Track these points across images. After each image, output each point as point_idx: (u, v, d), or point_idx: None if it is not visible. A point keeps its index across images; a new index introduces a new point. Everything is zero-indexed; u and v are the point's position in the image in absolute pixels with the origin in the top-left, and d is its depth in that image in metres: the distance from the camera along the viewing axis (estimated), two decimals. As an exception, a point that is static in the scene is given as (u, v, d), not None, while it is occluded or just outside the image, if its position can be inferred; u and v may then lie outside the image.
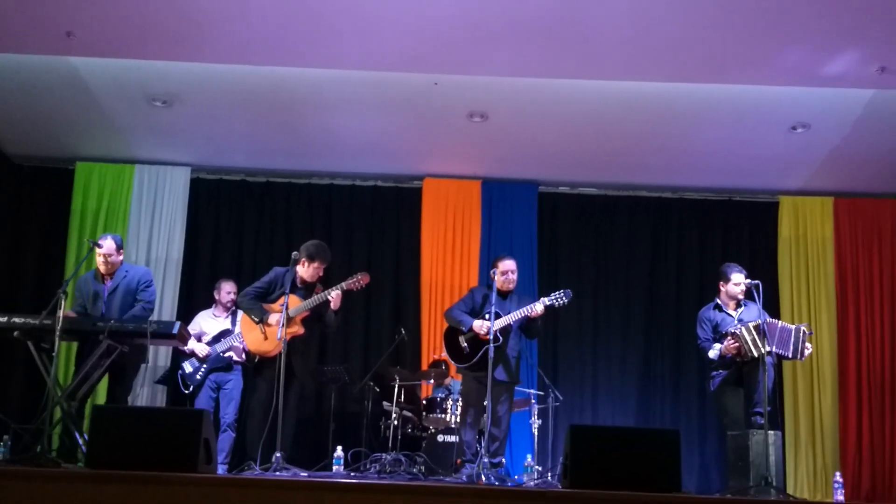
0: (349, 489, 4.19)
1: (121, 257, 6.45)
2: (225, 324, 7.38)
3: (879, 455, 8.24)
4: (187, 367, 7.24)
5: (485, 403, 6.20)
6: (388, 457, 6.44)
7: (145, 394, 8.10)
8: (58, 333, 5.45)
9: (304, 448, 7.50)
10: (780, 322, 6.29)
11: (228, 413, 7.12)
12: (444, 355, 6.85)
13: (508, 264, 6.54)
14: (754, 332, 6.09)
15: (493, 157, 8.49)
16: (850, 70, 6.49)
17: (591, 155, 8.31)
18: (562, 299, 6.30)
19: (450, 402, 7.30)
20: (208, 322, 7.44)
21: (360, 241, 8.92)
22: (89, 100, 7.48)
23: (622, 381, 8.64)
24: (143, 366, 6.51)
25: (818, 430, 8.31)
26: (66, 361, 7.61)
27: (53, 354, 5.49)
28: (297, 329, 6.19)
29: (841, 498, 6.30)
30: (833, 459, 8.22)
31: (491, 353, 5.98)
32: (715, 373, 6.48)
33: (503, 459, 6.47)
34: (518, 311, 6.31)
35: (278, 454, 5.58)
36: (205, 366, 7.20)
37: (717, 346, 6.39)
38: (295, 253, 6.27)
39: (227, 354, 7.21)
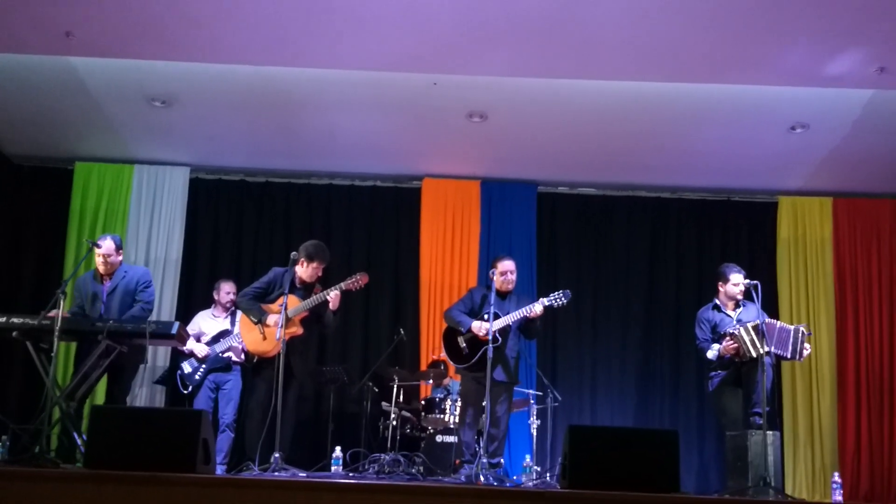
0: (348, 489, 4.19)
1: (120, 258, 6.45)
2: (224, 324, 7.38)
3: (878, 455, 8.24)
4: (186, 367, 7.24)
5: (483, 404, 6.19)
6: (387, 457, 6.44)
7: (144, 394, 8.09)
8: (56, 334, 5.44)
9: (303, 448, 7.50)
10: (778, 322, 6.29)
11: (227, 413, 7.12)
12: (443, 356, 6.85)
13: (507, 265, 6.54)
14: (753, 333, 6.09)
15: (492, 158, 8.49)
16: (850, 70, 6.49)
17: (590, 155, 8.31)
18: (561, 300, 6.30)
19: (448, 403, 7.31)
20: (207, 322, 7.44)
21: (359, 242, 8.92)
22: (88, 100, 7.48)
23: (621, 381, 8.64)
24: (141, 366, 6.51)
25: (817, 430, 8.31)
26: (64, 362, 7.61)
27: (52, 355, 5.48)
28: (296, 329, 6.19)
29: (839, 498, 6.31)
30: (831, 460, 8.22)
31: (490, 354, 5.98)
32: (713, 373, 6.48)
33: (502, 460, 6.47)
34: (517, 312, 6.31)
35: (277, 454, 5.58)
36: (204, 366, 7.20)
37: (716, 346, 6.39)
38: (294, 253, 6.27)
39: (226, 355, 7.21)
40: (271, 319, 6.18)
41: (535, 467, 7.23)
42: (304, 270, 6.34)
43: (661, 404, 8.60)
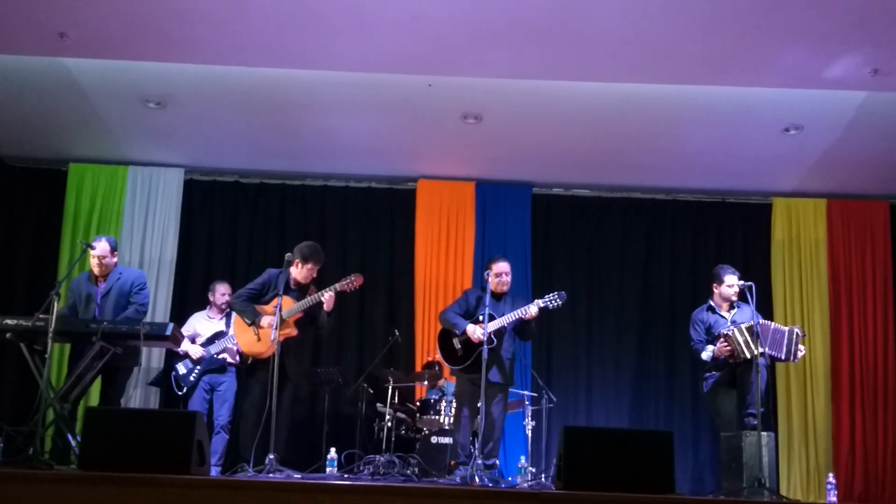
0: (343, 491, 4.19)
1: (115, 259, 6.44)
2: (219, 325, 7.37)
3: (872, 456, 8.26)
4: (181, 368, 7.22)
5: (479, 405, 6.19)
6: (382, 458, 6.44)
7: (138, 395, 8.07)
8: (50, 335, 5.43)
9: (298, 450, 7.48)
10: (772, 323, 6.30)
11: (222, 415, 7.11)
12: (438, 357, 6.85)
13: (502, 266, 6.54)
14: (747, 334, 6.11)
15: (486, 159, 8.49)
16: (844, 72, 6.50)
17: (585, 156, 8.32)
18: (556, 301, 6.30)
19: (443, 404, 7.31)
20: (202, 324, 7.43)
21: (353, 243, 8.91)
22: (82, 101, 7.47)
23: (616, 382, 8.65)
24: (135, 368, 6.51)
25: (811, 431, 8.33)
26: (58, 363, 7.59)
27: (46, 356, 5.47)
28: (291, 331, 6.19)
29: (834, 499, 6.31)
30: (826, 460, 8.24)
31: (485, 355, 5.98)
32: (708, 374, 6.49)
33: (497, 461, 6.47)
34: (512, 313, 6.31)
35: (272, 456, 5.57)
36: (198, 367, 7.19)
37: (710, 347, 6.40)
38: (288, 254, 6.27)
39: (221, 356, 7.20)
40: (265, 321, 6.17)
41: (530, 468, 7.22)
42: (298, 272, 6.34)
43: (655, 405, 8.61)
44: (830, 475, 6.55)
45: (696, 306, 6.87)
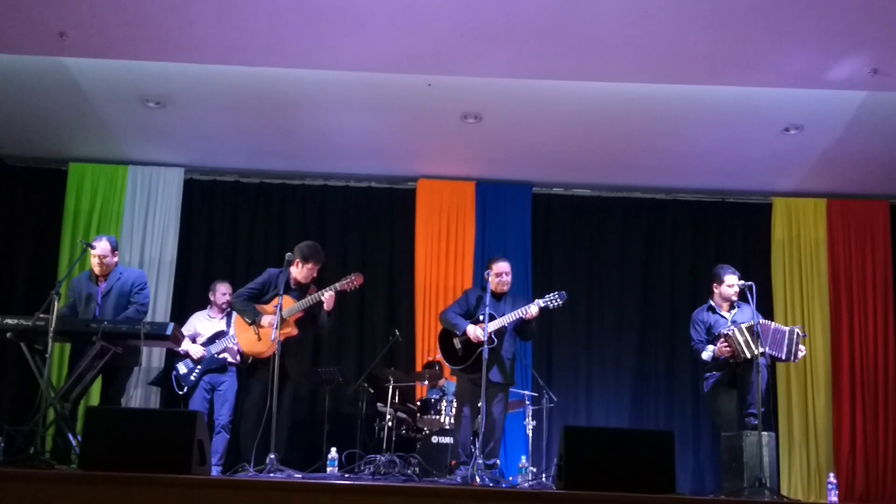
0: (343, 491, 4.19)
1: (115, 259, 6.44)
2: (220, 325, 7.37)
3: (873, 456, 8.26)
4: (182, 368, 7.22)
5: (479, 405, 6.19)
6: (383, 458, 6.43)
7: (139, 395, 8.07)
8: (51, 335, 5.43)
9: (299, 449, 7.48)
10: (773, 323, 6.30)
11: (223, 414, 7.11)
12: (439, 357, 6.85)
13: (502, 266, 6.54)
14: (747, 334, 6.10)
15: (486, 158, 8.49)
16: (843, 72, 6.50)
17: (585, 156, 8.32)
18: (556, 301, 6.30)
19: (444, 404, 7.31)
20: (203, 323, 7.43)
21: (353, 243, 8.91)
22: (82, 100, 7.46)
23: (616, 382, 8.65)
24: (136, 368, 6.51)
25: (812, 430, 8.33)
26: (59, 363, 7.59)
27: (46, 356, 5.47)
28: (291, 330, 6.19)
29: (835, 499, 6.31)
30: (827, 460, 8.24)
31: (485, 355, 5.97)
32: (708, 374, 6.49)
33: (497, 461, 6.47)
34: (513, 313, 6.31)
35: (272, 456, 5.57)
36: (199, 367, 7.19)
37: (710, 347, 6.40)
38: (289, 254, 6.27)
39: (221, 356, 7.20)
40: (265, 320, 6.17)
41: (531, 468, 7.22)
42: (298, 271, 6.34)
43: (656, 405, 8.61)
44: (831, 475, 6.55)
45: (696, 306, 6.87)
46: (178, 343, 6.45)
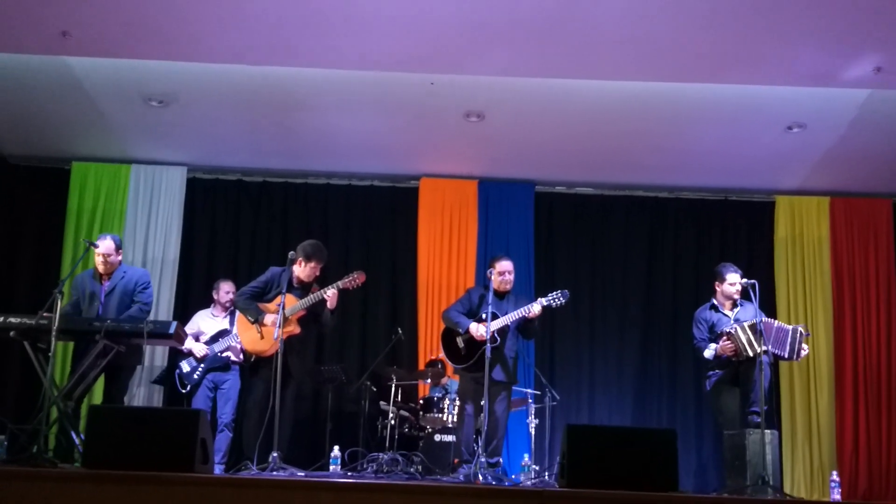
0: (346, 489, 4.19)
1: (119, 257, 6.45)
2: (223, 323, 7.38)
3: (876, 454, 8.26)
4: (185, 366, 7.23)
5: (482, 403, 6.19)
6: (385, 456, 6.43)
7: (142, 393, 8.09)
8: (54, 333, 5.43)
9: (301, 448, 7.50)
10: (776, 322, 6.30)
11: (226, 413, 7.12)
12: (442, 355, 6.85)
13: (505, 265, 6.54)
14: (749, 332, 6.10)
15: (489, 157, 8.49)
16: (846, 70, 6.49)
17: (588, 154, 8.32)
18: (559, 299, 6.30)
19: (447, 402, 7.31)
20: (206, 322, 7.44)
21: (356, 241, 8.92)
22: (85, 99, 7.47)
23: (619, 380, 8.65)
24: (139, 366, 6.51)
25: (815, 429, 8.32)
26: (62, 361, 7.60)
27: (50, 354, 5.47)
28: (294, 329, 6.19)
29: (838, 497, 6.32)
30: (830, 458, 8.23)
31: (488, 354, 5.97)
32: (711, 372, 6.49)
33: (500, 459, 6.47)
34: (515, 312, 6.31)
35: (275, 454, 5.57)
36: (202, 365, 7.20)
37: (713, 345, 6.40)
38: (291, 252, 6.27)
39: (224, 354, 7.21)
40: (268, 319, 6.17)
41: (534, 466, 7.24)
42: (301, 270, 6.34)
43: (658, 403, 8.60)
44: (834, 473, 6.56)
45: (698, 304, 6.86)
46: (181, 342, 6.45)
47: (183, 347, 7.04)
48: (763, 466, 5.55)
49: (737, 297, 6.53)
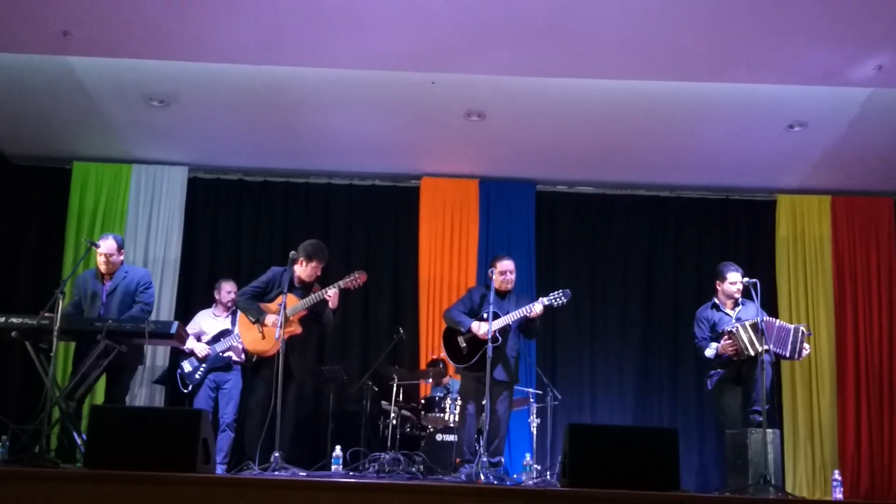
0: (348, 489, 4.18)
1: (121, 257, 6.45)
2: (225, 323, 7.38)
3: (878, 453, 8.25)
4: (186, 366, 7.23)
5: (484, 403, 6.19)
6: (387, 456, 6.43)
7: (143, 394, 8.09)
8: (56, 333, 5.43)
9: (303, 448, 7.51)
10: (777, 321, 6.29)
11: (227, 413, 7.11)
12: (443, 355, 6.84)
13: (506, 264, 6.54)
14: (751, 331, 6.09)
15: (490, 156, 8.49)
16: (848, 69, 6.49)
17: (589, 154, 8.31)
18: (560, 299, 6.29)
19: (448, 402, 7.31)
20: (208, 322, 7.44)
21: (357, 241, 8.92)
22: (86, 99, 7.47)
23: (620, 379, 8.65)
24: (140, 366, 6.51)
25: (817, 428, 8.32)
26: (64, 361, 7.60)
27: (51, 354, 5.47)
28: (295, 328, 6.19)
29: (840, 496, 6.31)
30: (832, 457, 8.23)
31: (489, 353, 5.97)
32: (713, 371, 6.48)
33: (502, 458, 6.47)
34: (517, 312, 6.31)
35: (277, 454, 5.57)
36: (204, 365, 7.20)
37: (714, 345, 6.39)
38: (293, 252, 6.26)
39: (226, 354, 7.21)
40: (269, 319, 6.17)
41: (536, 466, 7.23)
42: (302, 270, 6.33)
43: (660, 403, 8.61)
44: (836, 472, 6.55)
45: (700, 304, 6.86)
46: (183, 341, 6.45)
47: (184, 347, 7.04)
48: (765, 466, 5.54)
49: (738, 296, 6.52)
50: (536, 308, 6.26)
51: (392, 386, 7.53)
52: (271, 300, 6.33)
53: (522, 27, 6.12)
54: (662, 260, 8.95)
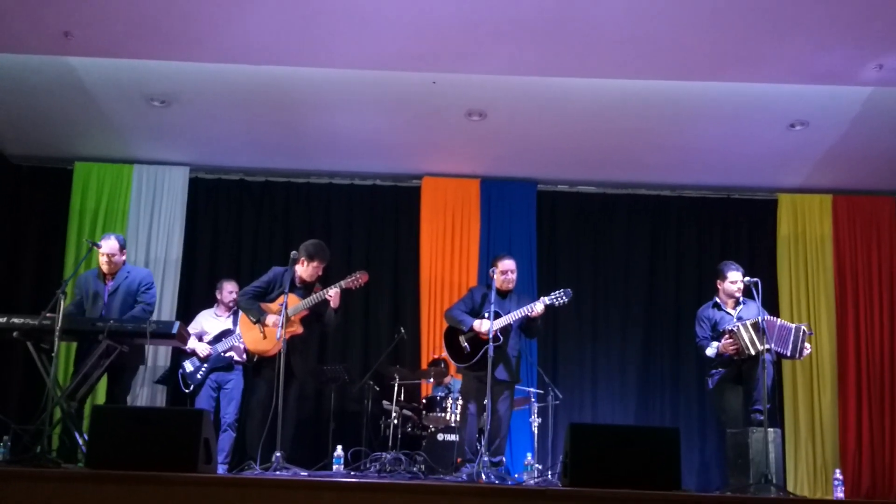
0: (349, 488, 4.19)
1: (123, 257, 6.46)
2: (226, 323, 7.38)
3: (879, 452, 8.25)
4: (188, 366, 7.24)
5: (485, 402, 6.19)
6: (388, 456, 6.43)
7: (145, 394, 8.10)
8: (57, 334, 5.44)
9: (304, 447, 7.51)
10: (779, 320, 6.28)
11: (229, 413, 7.12)
12: (444, 354, 6.85)
13: (508, 264, 6.54)
14: (752, 330, 6.09)
15: (491, 156, 8.49)
16: (849, 67, 6.49)
17: (590, 153, 8.31)
18: (562, 298, 6.29)
19: (450, 401, 7.31)
20: (210, 321, 7.44)
21: (358, 240, 8.92)
22: (87, 100, 7.48)
23: (621, 379, 8.65)
24: (141, 367, 6.51)
25: (818, 427, 8.32)
26: (65, 362, 7.61)
27: (53, 355, 5.48)
28: (296, 328, 6.19)
29: (841, 495, 6.31)
30: (833, 456, 8.23)
31: (491, 353, 5.97)
32: (714, 371, 6.48)
33: (503, 458, 6.47)
34: (518, 311, 6.31)
35: (278, 454, 5.57)
36: (206, 365, 7.20)
37: (715, 344, 6.39)
38: (294, 252, 6.26)
39: (228, 354, 7.21)
40: (270, 319, 6.17)
41: (537, 465, 7.23)
42: (304, 269, 6.33)
43: (661, 402, 8.61)
44: (837, 471, 6.55)
45: (701, 303, 6.85)
46: (184, 341, 6.45)
47: (186, 347, 7.05)
48: (766, 465, 5.54)
49: (739, 295, 6.52)
50: (538, 307, 6.26)
51: (393, 385, 7.53)
52: (272, 300, 6.33)
53: (523, 27, 6.12)
54: (664, 259, 8.95)
